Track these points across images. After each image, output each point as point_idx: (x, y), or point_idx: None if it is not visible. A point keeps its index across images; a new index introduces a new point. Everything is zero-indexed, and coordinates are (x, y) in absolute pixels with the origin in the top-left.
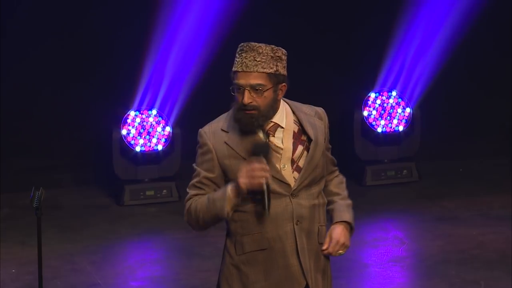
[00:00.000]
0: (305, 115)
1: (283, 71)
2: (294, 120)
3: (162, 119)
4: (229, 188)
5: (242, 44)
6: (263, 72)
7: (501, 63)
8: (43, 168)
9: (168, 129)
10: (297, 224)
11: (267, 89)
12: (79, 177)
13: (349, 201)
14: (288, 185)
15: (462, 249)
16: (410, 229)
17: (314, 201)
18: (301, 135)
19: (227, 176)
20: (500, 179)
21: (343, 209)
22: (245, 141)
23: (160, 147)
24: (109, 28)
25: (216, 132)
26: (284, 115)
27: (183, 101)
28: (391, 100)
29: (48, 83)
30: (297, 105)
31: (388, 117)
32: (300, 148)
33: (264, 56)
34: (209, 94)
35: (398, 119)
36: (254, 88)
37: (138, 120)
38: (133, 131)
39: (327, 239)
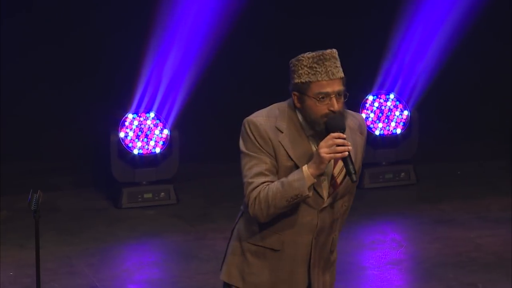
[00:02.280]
0: (350, 130)
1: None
2: None
3: (160, 121)
4: (305, 168)
5: (316, 53)
6: (342, 77)
7: (500, 65)
8: (41, 171)
9: (166, 131)
10: (315, 238)
11: (344, 93)
12: (77, 180)
13: None
14: (322, 199)
15: (460, 251)
16: (408, 231)
17: (335, 215)
18: None
19: None
20: (498, 182)
21: None
22: (298, 146)
23: (158, 150)
24: (108, 30)
25: (271, 127)
26: None
27: (181, 104)
28: (388, 103)
29: (46, 85)
30: (347, 115)
31: (386, 120)
32: (340, 163)
33: (339, 61)
34: (207, 97)
35: (396, 122)
36: (339, 94)
37: (136, 122)
38: (131, 133)
39: None
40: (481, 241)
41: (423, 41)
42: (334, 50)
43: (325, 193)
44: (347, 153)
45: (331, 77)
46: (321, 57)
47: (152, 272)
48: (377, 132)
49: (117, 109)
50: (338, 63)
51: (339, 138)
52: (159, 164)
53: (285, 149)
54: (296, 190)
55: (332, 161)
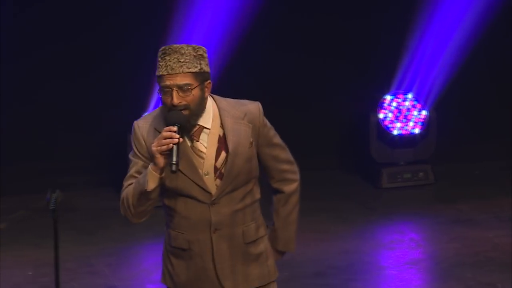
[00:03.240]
0: (232, 119)
1: (207, 69)
2: (221, 125)
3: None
4: (150, 165)
5: (163, 47)
6: (189, 72)
7: None
8: (59, 170)
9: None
10: (215, 232)
11: (194, 88)
12: (95, 180)
13: (290, 218)
14: (210, 193)
15: (478, 251)
16: (426, 231)
17: (237, 205)
18: (225, 140)
19: None
20: None
21: (277, 236)
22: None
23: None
24: (127, 30)
25: (149, 129)
26: (210, 116)
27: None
28: (407, 103)
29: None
30: (226, 106)
31: (404, 120)
32: (223, 154)
33: (187, 56)
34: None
35: (414, 122)
36: (182, 88)
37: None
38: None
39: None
40: (498, 240)
41: (441, 40)
42: (185, 46)
43: (210, 187)
44: (172, 145)
45: (170, 71)
46: (165, 51)
47: None
48: (395, 132)
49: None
50: (185, 58)
51: (169, 131)
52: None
53: None
54: (140, 186)
55: (214, 152)
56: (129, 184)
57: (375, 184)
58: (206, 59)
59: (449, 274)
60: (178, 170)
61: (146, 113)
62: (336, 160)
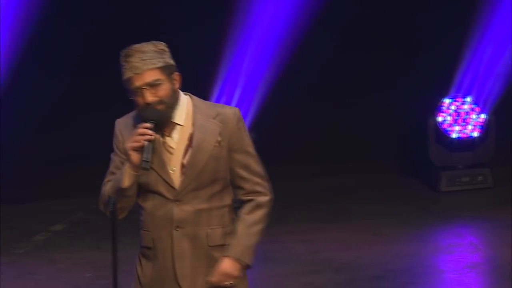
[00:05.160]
0: (202, 117)
1: (171, 61)
2: (192, 123)
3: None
4: (127, 162)
5: (123, 51)
6: (154, 68)
7: None
8: None
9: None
10: (176, 230)
11: (165, 82)
12: None
13: (248, 229)
14: (174, 189)
15: None
16: (485, 235)
17: (202, 205)
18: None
19: None
20: None
21: (236, 242)
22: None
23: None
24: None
25: (129, 125)
26: (184, 113)
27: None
28: (465, 106)
29: None
30: (201, 106)
31: (463, 123)
32: (190, 151)
33: (149, 53)
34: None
35: (473, 125)
36: (152, 85)
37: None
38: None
39: (214, 273)
40: None
41: (500, 43)
42: (145, 44)
43: (176, 182)
44: (144, 142)
45: (136, 71)
46: (126, 53)
47: None
48: (453, 135)
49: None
50: (147, 55)
51: (143, 127)
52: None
53: None
54: (117, 183)
55: (183, 149)
56: (108, 181)
57: (434, 188)
58: (168, 53)
59: (508, 278)
60: (150, 167)
61: None
62: (395, 163)
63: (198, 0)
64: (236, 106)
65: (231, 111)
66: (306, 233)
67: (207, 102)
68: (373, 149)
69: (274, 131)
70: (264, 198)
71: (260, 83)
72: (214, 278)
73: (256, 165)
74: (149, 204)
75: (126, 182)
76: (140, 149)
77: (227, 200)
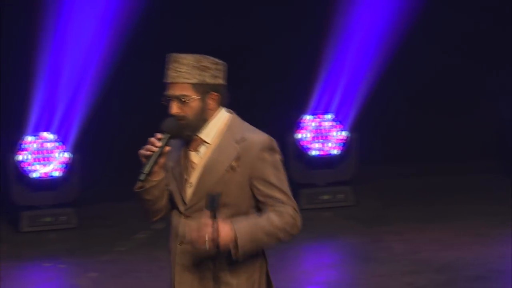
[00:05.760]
0: (227, 139)
1: (212, 80)
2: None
3: (338, 123)
4: None
5: (170, 55)
6: (186, 83)
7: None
8: None
9: (344, 133)
10: (180, 245)
11: (194, 100)
12: None
13: (261, 223)
14: (186, 204)
15: None
16: None
17: None
18: None
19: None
20: None
21: (246, 222)
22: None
23: (336, 151)
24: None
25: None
26: (214, 131)
27: (359, 105)
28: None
29: None
30: (236, 128)
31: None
32: (196, 171)
33: (187, 66)
34: (384, 99)
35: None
36: (180, 99)
37: (313, 124)
38: (308, 135)
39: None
40: None
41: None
42: (184, 56)
43: (188, 198)
44: (150, 152)
45: (169, 80)
46: (168, 58)
47: (329, 274)
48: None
49: (293, 111)
50: (183, 68)
51: (155, 138)
52: (337, 166)
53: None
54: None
55: (192, 169)
56: None
57: None
58: (213, 71)
59: None
60: (144, 180)
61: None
62: (496, 164)
63: (301, 2)
64: (337, 108)
65: (259, 139)
66: (406, 233)
67: (245, 124)
68: (473, 149)
69: (373, 132)
70: (291, 211)
71: (360, 85)
72: (195, 231)
73: (281, 194)
74: (172, 213)
75: (137, 185)
76: (146, 159)
77: None
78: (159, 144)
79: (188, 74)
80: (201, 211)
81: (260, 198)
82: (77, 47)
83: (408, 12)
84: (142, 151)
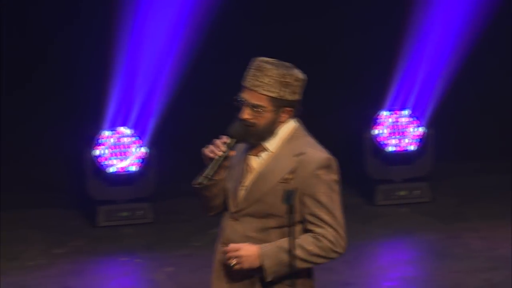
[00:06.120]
0: (288, 151)
1: (290, 97)
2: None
3: (415, 119)
4: None
5: (255, 59)
6: (265, 95)
7: None
8: None
9: (420, 129)
10: (222, 246)
11: (267, 111)
12: None
13: (290, 249)
14: (236, 206)
15: None
16: None
17: (252, 233)
18: None
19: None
20: None
21: (274, 246)
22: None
23: (412, 147)
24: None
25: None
26: (278, 140)
27: (436, 101)
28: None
29: None
30: (297, 141)
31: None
32: (251, 176)
33: (270, 79)
34: (460, 94)
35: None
36: (254, 107)
37: (390, 120)
38: (385, 131)
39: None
40: None
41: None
42: (268, 65)
43: (239, 201)
44: (214, 155)
45: (249, 86)
46: (253, 63)
47: (406, 270)
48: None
49: (370, 107)
50: (266, 80)
51: (221, 141)
52: (414, 162)
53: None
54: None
55: (249, 173)
56: None
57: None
58: (294, 87)
59: None
60: (203, 184)
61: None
62: None
63: (376, 2)
64: (414, 104)
65: (317, 156)
66: (483, 230)
67: (308, 138)
68: None
69: (450, 128)
70: (331, 235)
71: (437, 81)
72: (229, 247)
73: (327, 216)
74: (224, 212)
75: (195, 182)
76: (209, 161)
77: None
78: (224, 148)
79: (270, 86)
80: (249, 216)
81: (306, 215)
82: (154, 43)
83: (486, 9)
84: (207, 152)
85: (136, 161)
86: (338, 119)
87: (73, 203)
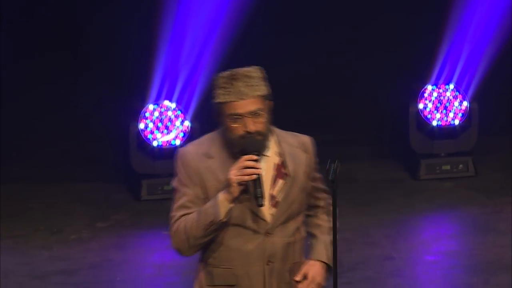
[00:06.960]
0: (289, 146)
1: (269, 89)
2: (278, 152)
3: (459, 93)
4: (220, 193)
5: (227, 73)
6: (259, 95)
7: None
8: (341, 141)
9: (465, 103)
10: (268, 264)
11: (264, 111)
12: (375, 151)
13: (329, 237)
14: (265, 221)
15: None
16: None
17: (289, 238)
18: (283, 168)
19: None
20: None
21: (323, 247)
22: (229, 168)
23: (457, 122)
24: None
25: (199, 155)
26: (269, 144)
27: (481, 76)
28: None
29: None
30: (283, 134)
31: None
32: (280, 182)
33: (255, 79)
34: (505, 69)
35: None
36: (254, 113)
37: (435, 94)
38: (429, 105)
39: (301, 274)
40: None
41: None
42: (251, 69)
43: (267, 215)
44: (255, 176)
45: (241, 97)
46: (232, 76)
47: (449, 244)
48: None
49: (415, 81)
50: (254, 81)
51: (250, 160)
52: (458, 136)
53: (216, 174)
54: (210, 216)
55: (270, 180)
56: (183, 215)
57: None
58: (266, 80)
59: None
60: (263, 204)
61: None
62: None
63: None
64: (458, 78)
65: (308, 140)
66: None
67: (282, 130)
68: None
69: (494, 102)
70: (328, 197)
71: (482, 56)
72: (304, 286)
73: (322, 183)
74: (231, 238)
75: (223, 214)
76: (245, 183)
77: (304, 232)
78: (258, 165)
79: (259, 86)
80: (282, 224)
81: (313, 193)
82: (199, 19)
83: None
84: (239, 176)
85: (180, 135)
86: (385, 94)
87: (118, 177)
